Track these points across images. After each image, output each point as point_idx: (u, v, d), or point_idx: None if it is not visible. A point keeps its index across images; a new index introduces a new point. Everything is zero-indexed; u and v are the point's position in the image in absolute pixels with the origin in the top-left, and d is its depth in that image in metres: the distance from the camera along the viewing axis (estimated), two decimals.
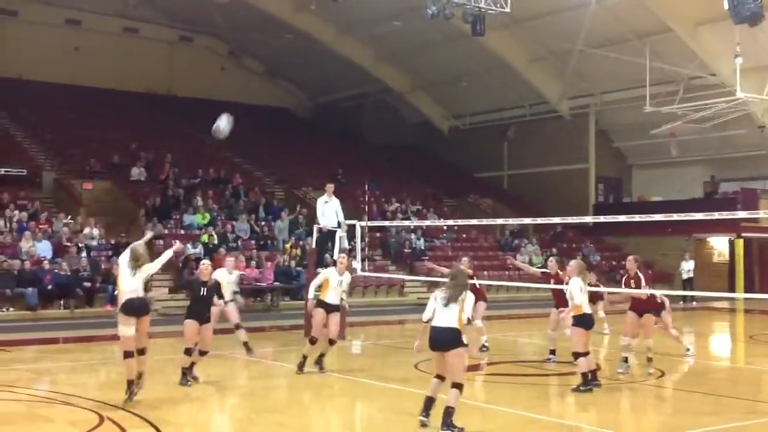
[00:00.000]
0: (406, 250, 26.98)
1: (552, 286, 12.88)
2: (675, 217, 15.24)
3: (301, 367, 11.79)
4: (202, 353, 10.94)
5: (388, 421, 9.39)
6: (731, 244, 30.00)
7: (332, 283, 11.97)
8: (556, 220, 17.56)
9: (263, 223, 25.84)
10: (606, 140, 35.17)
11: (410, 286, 25.46)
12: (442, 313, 8.37)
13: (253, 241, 24.48)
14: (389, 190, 31.14)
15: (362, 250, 16.96)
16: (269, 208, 26.84)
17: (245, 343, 13.75)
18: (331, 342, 11.85)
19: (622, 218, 16.19)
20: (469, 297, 8.51)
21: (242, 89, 37.15)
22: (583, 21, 26.56)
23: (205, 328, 10.82)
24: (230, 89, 36.37)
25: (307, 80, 39.18)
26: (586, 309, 10.58)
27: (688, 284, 24.63)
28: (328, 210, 16.61)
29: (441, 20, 21.86)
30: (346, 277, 12.18)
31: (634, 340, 12.04)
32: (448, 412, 8.21)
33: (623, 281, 12.03)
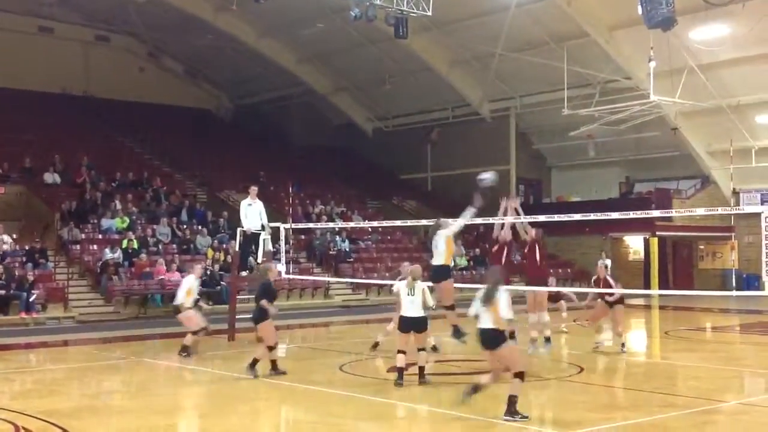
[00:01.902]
0: (331, 252, 26.93)
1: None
2: (592, 216, 15.60)
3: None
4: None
5: (315, 424, 9.34)
6: (646, 242, 30.93)
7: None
8: (479, 220, 17.76)
9: (185, 226, 25.40)
10: (526, 142, 35.82)
11: (335, 288, 25.42)
12: (482, 314, 8.91)
13: (174, 245, 24.03)
14: (313, 192, 31.03)
15: (287, 252, 16.85)
16: (191, 212, 26.40)
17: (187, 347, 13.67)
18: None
19: (542, 218, 16.50)
20: (503, 296, 8.89)
21: (161, 90, 36.44)
22: (504, 25, 27.00)
23: None
24: (149, 90, 35.65)
25: (229, 81, 38.73)
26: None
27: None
28: (252, 213, 16.44)
29: (364, 22, 21.92)
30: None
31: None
32: (512, 401, 8.72)
33: (593, 283, 14.31)
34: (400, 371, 10.97)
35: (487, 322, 8.84)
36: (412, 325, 11.07)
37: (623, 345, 14.27)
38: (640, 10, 19.16)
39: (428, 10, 21.91)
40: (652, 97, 24.95)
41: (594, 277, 14.81)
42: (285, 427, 9.75)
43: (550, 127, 32.76)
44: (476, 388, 9.09)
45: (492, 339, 8.82)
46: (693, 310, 23.22)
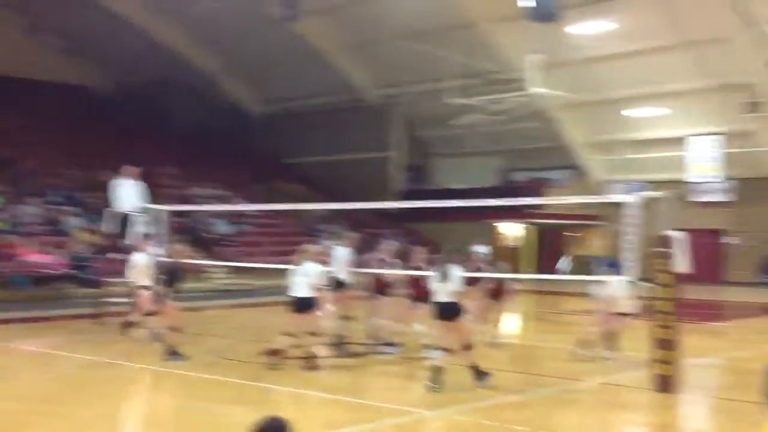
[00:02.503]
0: (211, 236, 26.45)
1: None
2: (472, 203, 15.96)
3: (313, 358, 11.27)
4: None
5: (183, 409, 9.20)
6: (521, 230, 31.91)
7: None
8: (361, 205, 17.88)
9: (58, 207, 24.35)
10: (411, 129, 36.24)
11: (215, 272, 24.98)
12: (440, 289, 9.84)
13: (45, 227, 23.02)
14: (195, 174, 30.34)
15: (165, 235, 16.41)
16: (65, 192, 25.34)
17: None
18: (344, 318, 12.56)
19: (423, 204, 16.79)
20: (457, 271, 9.86)
21: (39, 65, 34.62)
22: (391, 12, 27.14)
23: None
24: (26, 65, 33.77)
25: (112, 59, 37.21)
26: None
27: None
28: (129, 194, 15.98)
29: (254, 5, 21.57)
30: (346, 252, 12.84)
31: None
32: (476, 368, 9.88)
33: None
34: (276, 353, 10.93)
35: (444, 296, 9.71)
36: (299, 306, 10.99)
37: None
38: (523, 3, 19.63)
39: None
40: (532, 89, 25.68)
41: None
42: (151, 412, 9.54)
43: (434, 115, 33.23)
44: (438, 371, 9.64)
45: (452, 311, 9.71)
46: (560, 294, 24.15)
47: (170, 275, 11.81)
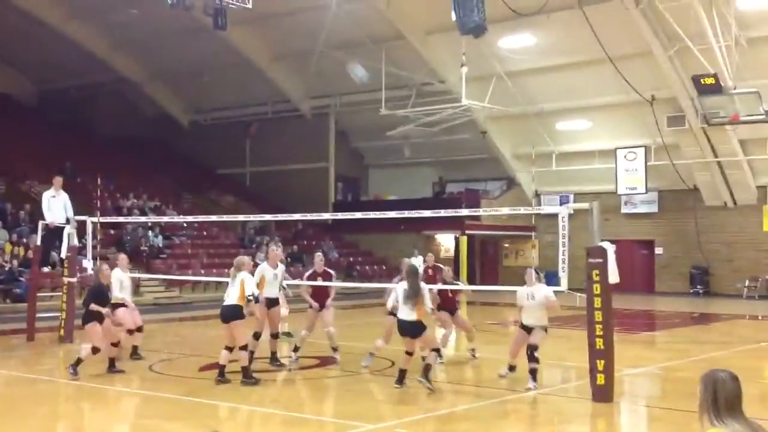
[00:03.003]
0: (142, 248, 25.93)
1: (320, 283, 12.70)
2: (407, 214, 16.02)
3: (247, 371, 10.85)
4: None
5: (117, 424, 8.97)
6: (456, 240, 32.20)
7: (268, 277, 11.93)
8: (297, 216, 17.85)
9: None
10: (345, 140, 36.26)
11: (146, 285, 24.48)
12: (406, 308, 10.25)
13: None
14: (125, 184, 29.71)
15: (94, 248, 16.02)
16: None
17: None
18: (275, 336, 12.16)
19: (359, 215, 16.77)
20: (425, 289, 10.42)
21: None
22: (324, 23, 27.13)
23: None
24: None
25: (33, 65, 36.21)
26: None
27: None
28: (56, 205, 15.57)
29: (181, 11, 21.25)
30: (281, 269, 12.32)
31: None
32: (428, 368, 10.29)
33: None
34: (221, 369, 10.74)
35: (411, 315, 10.21)
36: (223, 317, 10.87)
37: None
38: (453, 17, 19.84)
39: (248, 2, 21.58)
40: (463, 101, 25.98)
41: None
42: (84, 429, 9.27)
43: (369, 126, 33.32)
44: (427, 369, 10.21)
45: (417, 329, 10.29)
46: (498, 305, 24.44)
47: (98, 297, 11.41)
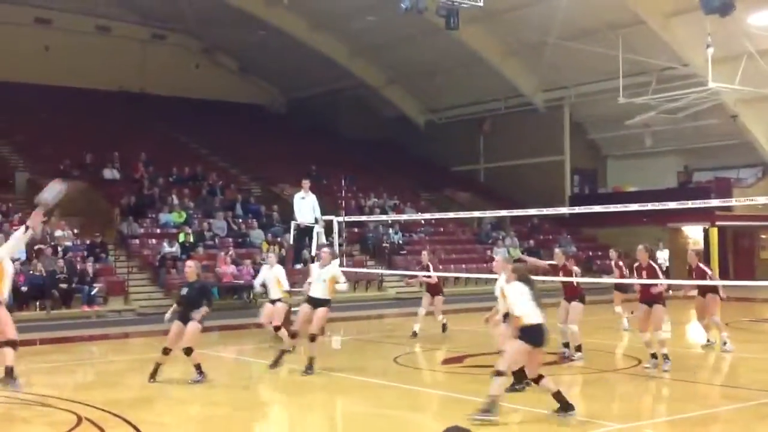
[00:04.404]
0: (384, 245, 26.99)
1: (561, 278, 12.50)
2: (650, 206, 15.28)
3: (276, 362, 11.74)
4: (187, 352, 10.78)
5: (369, 415, 9.39)
6: (705, 232, 30.27)
7: (313, 276, 11.85)
8: (533, 211, 17.64)
9: (240, 220, 25.71)
10: (581, 132, 35.34)
11: (389, 280, 25.44)
12: (318, 285, 11.46)
13: (230, 239, 24.35)
14: (366, 185, 31.10)
15: (340, 245, 16.93)
16: (245, 206, 26.72)
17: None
18: (312, 338, 11.42)
19: (597, 209, 16.29)
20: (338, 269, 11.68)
21: (216, 86, 36.95)
22: (556, 13, 26.62)
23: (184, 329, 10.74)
24: (204, 87, 36.19)
25: (281, 76, 39.02)
26: (532, 319, 8.52)
27: (663, 273, 24.74)
28: (305, 206, 16.55)
29: (415, 14, 21.83)
30: (329, 270, 11.63)
31: (646, 335, 11.61)
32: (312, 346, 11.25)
33: (635, 272, 11.88)
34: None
35: (323, 292, 11.47)
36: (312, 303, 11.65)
37: (725, 343, 13.26)
38: None
39: (479, 0, 21.73)
40: (710, 84, 24.40)
41: (636, 264, 12.02)
42: (340, 419, 9.81)
43: (606, 116, 32.24)
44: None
45: (323, 303, 11.52)
46: (755, 300, 22.65)
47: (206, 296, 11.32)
